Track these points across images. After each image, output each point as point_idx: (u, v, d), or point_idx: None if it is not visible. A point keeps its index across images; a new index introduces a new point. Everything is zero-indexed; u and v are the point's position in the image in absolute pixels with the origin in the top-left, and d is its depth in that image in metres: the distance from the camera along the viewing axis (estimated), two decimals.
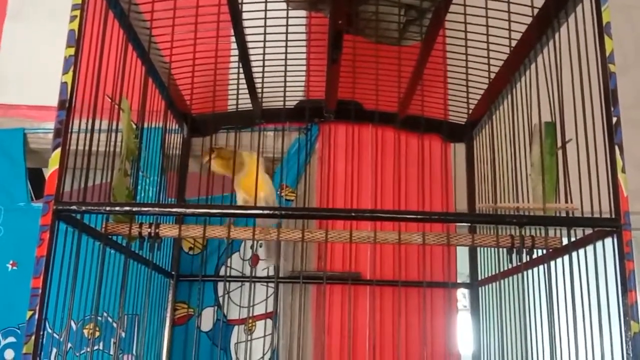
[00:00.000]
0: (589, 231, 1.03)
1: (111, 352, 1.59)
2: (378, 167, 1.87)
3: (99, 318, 1.59)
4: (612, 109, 0.99)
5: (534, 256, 1.18)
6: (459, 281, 1.82)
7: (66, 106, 0.98)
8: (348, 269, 1.77)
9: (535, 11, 1.19)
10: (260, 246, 1.84)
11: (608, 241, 0.99)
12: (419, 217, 1.08)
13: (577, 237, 1.06)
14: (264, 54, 1.30)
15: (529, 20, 1.22)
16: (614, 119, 0.98)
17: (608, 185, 0.98)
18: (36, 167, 2.05)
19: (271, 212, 1.10)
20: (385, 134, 1.90)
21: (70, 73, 0.99)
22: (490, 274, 1.56)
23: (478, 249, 1.68)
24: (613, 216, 0.97)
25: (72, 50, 1.00)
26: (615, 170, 0.97)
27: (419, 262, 1.67)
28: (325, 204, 1.84)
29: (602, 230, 0.99)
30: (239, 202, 1.41)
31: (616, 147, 0.98)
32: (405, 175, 1.77)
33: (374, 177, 1.84)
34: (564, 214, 1.13)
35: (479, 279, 1.68)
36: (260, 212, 1.11)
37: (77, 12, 1.02)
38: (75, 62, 1.00)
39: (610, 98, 0.99)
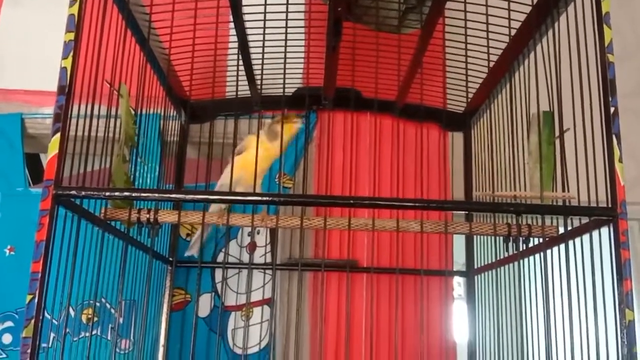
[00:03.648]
0: (585, 220, 1.03)
1: (109, 337, 1.60)
2: (376, 155, 1.87)
3: (97, 304, 1.59)
4: (610, 99, 0.99)
5: (531, 244, 1.19)
6: (454, 269, 1.83)
7: (66, 91, 0.98)
8: (345, 256, 1.78)
9: (535, 0, 1.19)
10: (258, 233, 1.84)
11: (604, 230, 0.99)
12: (417, 204, 1.09)
13: (574, 226, 1.07)
14: (263, 40, 1.30)
15: (528, 9, 1.22)
16: (612, 109, 0.99)
17: (605, 175, 0.98)
18: (34, 153, 2.05)
19: (270, 198, 1.10)
20: (384, 122, 1.90)
21: (70, 58, 0.99)
22: (486, 263, 1.57)
23: (474, 237, 1.69)
24: (609, 205, 0.97)
25: (71, 35, 1.00)
26: (613, 160, 0.97)
27: (416, 250, 1.68)
28: (323, 192, 1.84)
29: (598, 219, 1.00)
30: (235, 180, 1.38)
31: (613, 137, 0.98)
32: (403, 164, 1.77)
33: (372, 165, 1.84)
34: (560, 203, 1.13)
35: (475, 267, 1.69)
36: (259, 198, 1.11)
37: None
38: (75, 47, 1.00)
39: (608, 88, 1.00)
